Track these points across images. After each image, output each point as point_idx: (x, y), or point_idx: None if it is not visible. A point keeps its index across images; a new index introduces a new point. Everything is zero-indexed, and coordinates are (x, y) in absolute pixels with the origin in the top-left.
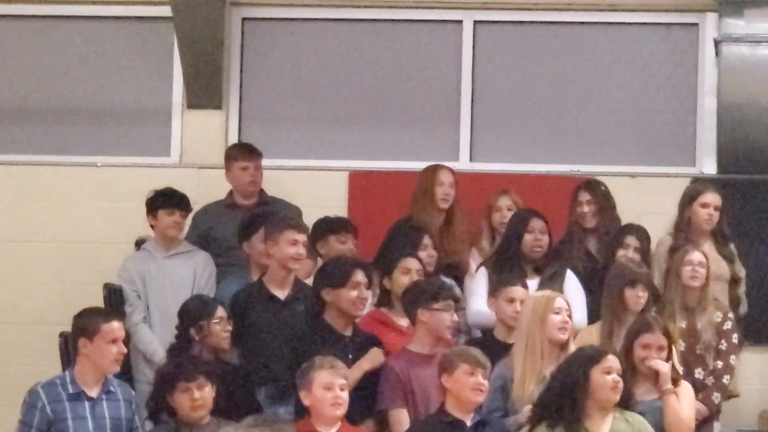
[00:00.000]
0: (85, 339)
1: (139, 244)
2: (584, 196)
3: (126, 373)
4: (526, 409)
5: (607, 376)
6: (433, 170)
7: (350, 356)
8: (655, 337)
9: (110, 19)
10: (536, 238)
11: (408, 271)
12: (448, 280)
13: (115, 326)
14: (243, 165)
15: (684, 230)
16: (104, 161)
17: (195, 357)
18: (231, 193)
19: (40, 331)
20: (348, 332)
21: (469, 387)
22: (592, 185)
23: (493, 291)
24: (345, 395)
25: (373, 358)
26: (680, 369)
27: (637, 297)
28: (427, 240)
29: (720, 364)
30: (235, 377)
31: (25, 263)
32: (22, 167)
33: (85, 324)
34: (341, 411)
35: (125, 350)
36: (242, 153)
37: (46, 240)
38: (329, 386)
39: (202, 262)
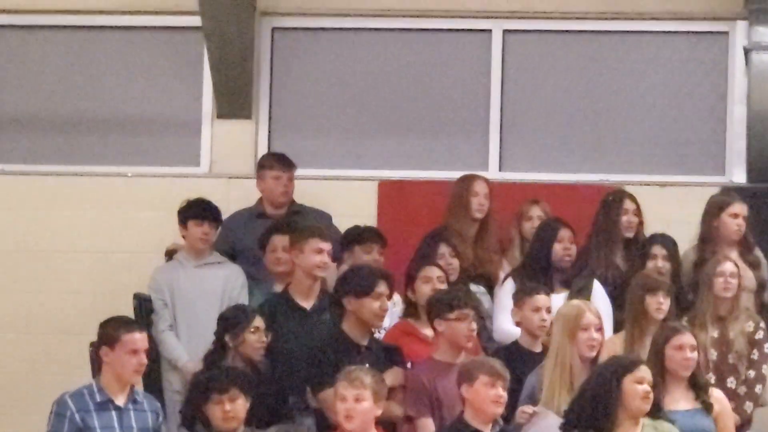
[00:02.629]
0: (107, 348)
1: (169, 253)
2: (631, 205)
3: (156, 383)
4: (521, 410)
5: (639, 386)
6: (469, 180)
7: (366, 366)
8: (686, 337)
9: (140, 29)
10: (565, 248)
11: (429, 280)
12: (479, 288)
13: (137, 337)
14: (276, 174)
15: (711, 241)
16: (134, 171)
17: (229, 368)
18: (261, 201)
19: (72, 340)
20: (365, 342)
21: (488, 399)
22: (632, 196)
23: (518, 301)
24: (360, 407)
25: (393, 377)
26: (711, 378)
27: (658, 304)
28: (443, 249)
29: (752, 373)
30: (267, 386)
31: (56, 273)
32: (53, 177)
33: (108, 333)
34: (352, 424)
35: (146, 361)
36: (277, 162)
37: (76, 250)
38: (342, 397)
39: (234, 274)
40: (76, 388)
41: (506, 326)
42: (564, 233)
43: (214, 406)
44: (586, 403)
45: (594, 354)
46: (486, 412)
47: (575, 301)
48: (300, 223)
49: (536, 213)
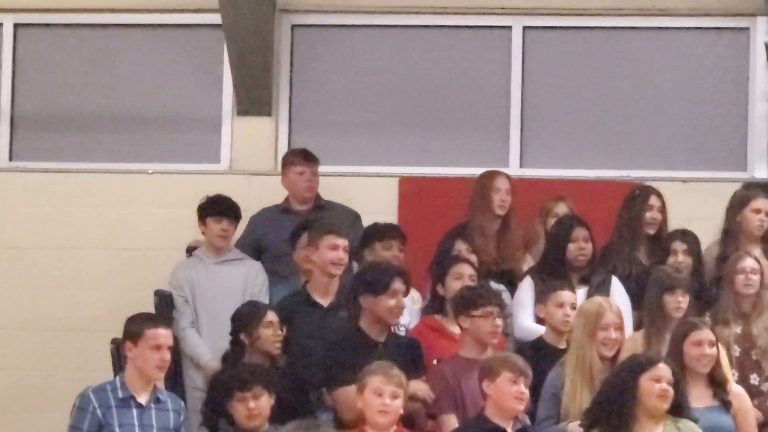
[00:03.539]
0: (131, 343)
1: (190, 250)
2: (656, 202)
3: (177, 379)
4: (572, 425)
5: (656, 384)
6: (490, 176)
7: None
8: (705, 333)
9: (161, 26)
10: (580, 247)
11: (460, 277)
12: (499, 286)
13: (161, 333)
14: (300, 170)
15: (734, 236)
16: (155, 168)
17: (252, 365)
18: (287, 198)
19: (93, 337)
20: (382, 338)
21: (510, 395)
22: (658, 192)
23: (543, 297)
24: (395, 404)
25: (416, 389)
26: (734, 374)
27: (676, 302)
28: (460, 245)
29: None
30: (288, 382)
31: (78, 270)
32: (75, 174)
33: (132, 328)
34: (386, 419)
35: (168, 358)
36: (300, 158)
37: (98, 247)
38: (379, 392)
39: (254, 271)
40: (98, 383)
41: (526, 323)
42: (579, 233)
43: (237, 403)
44: (604, 401)
45: (612, 353)
46: (507, 408)
47: (597, 299)
48: (326, 219)
49: (562, 210)
